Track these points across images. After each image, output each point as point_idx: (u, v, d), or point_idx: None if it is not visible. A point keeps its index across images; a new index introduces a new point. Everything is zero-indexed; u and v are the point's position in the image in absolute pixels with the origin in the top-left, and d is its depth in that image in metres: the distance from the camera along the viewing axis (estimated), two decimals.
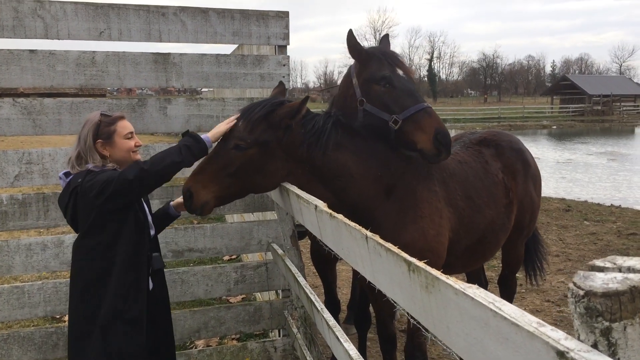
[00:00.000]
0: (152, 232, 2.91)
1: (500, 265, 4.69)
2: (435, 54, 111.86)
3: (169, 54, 3.73)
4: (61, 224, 3.56)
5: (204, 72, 3.84)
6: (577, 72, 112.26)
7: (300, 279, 3.20)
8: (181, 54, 3.77)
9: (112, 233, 2.59)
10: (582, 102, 63.25)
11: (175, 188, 3.82)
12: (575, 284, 0.85)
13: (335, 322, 2.49)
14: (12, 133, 3.46)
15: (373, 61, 3.11)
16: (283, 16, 3.96)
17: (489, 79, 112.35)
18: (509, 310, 0.94)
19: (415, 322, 1.36)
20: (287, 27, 3.99)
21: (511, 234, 3.89)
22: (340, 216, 1.89)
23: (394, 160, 3.06)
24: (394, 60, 3.14)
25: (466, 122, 46.92)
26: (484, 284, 5.20)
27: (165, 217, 3.09)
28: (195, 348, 4.51)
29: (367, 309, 4.31)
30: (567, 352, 0.79)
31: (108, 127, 2.68)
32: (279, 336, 4.42)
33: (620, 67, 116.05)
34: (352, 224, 1.74)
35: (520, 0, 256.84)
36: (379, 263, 1.52)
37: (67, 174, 2.71)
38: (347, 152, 2.95)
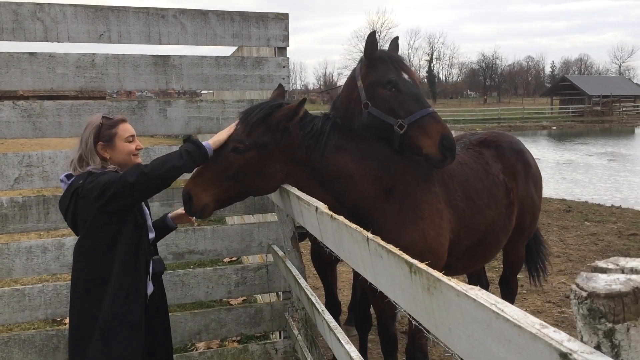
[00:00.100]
0: (152, 235, 2.90)
1: (502, 266, 4.68)
2: (434, 55, 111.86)
3: (168, 56, 3.73)
4: (61, 226, 3.56)
5: (204, 74, 3.84)
6: (576, 72, 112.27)
7: (301, 280, 3.20)
8: (181, 56, 3.77)
9: (111, 235, 2.59)
10: (582, 102, 63.26)
11: (175, 190, 3.82)
12: (578, 285, 0.85)
13: (336, 323, 2.48)
14: (12, 136, 3.46)
15: (379, 64, 3.11)
16: (283, 18, 3.96)
17: (488, 80, 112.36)
18: (512, 311, 0.94)
19: (416, 324, 1.36)
20: (286, 28, 3.99)
21: (512, 235, 3.88)
22: (341, 218, 1.89)
23: (393, 162, 3.06)
24: (400, 64, 3.14)
25: (466, 123, 46.91)
26: (485, 285, 5.19)
27: (163, 228, 3.10)
28: (196, 350, 4.50)
29: (367, 310, 4.31)
30: (570, 354, 0.78)
31: (109, 129, 2.69)
32: (280, 338, 4.42)
33: (620, 67, 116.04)
34: (353, 225, 1.74)
35: (519, 1, 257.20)
36: (380, 265, 1.52)
37: (68, 177, 2.71)
38: (346, 154, 2.95)
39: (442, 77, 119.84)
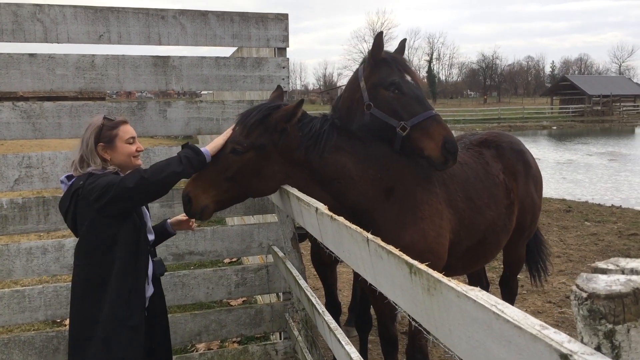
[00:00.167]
0: (152, 237, 2.90)
1: (502, 266, 4.68)
2: (434, 55, 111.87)
3: (168, 57, 3.73)
4: (61, 227, 3.56)
5: (204, 75, 3.84)
6: (576, 72, 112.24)
7: (301, 281, 3.20)
8: (181, 57, 3.77)
9: (110, 236, 2.59)
10: (582, 102, 63.23)
11: (175, 191, 3.81)
12: (578, 286, 0.85)
13: (336, 324, 2.48)
14: (11, 137, 3.46)
15: (383, 66, 3.11)
16: (282, 18, 3.96)
17: (488, 80, 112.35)
18: (512, 312, 0.94)
19: (416, 325, 1.35)
20: (286, 29, 3.99)
21: (512, 235, 3.88)
22: (341, 218, 1.88)
23: (393, 162, 3.06)
24: (403, 66, 3.15)
25: (466, 123, 46.91)
26: (485, 285, 5.19)
27: (162, 233, 3.11)
28: (197, 351, 4.49)
29: (368, 311, 4.31)
30: (571, 355, 0.78)
31: (110, 131, 2.69)
32: (280, 339, 4.41)
33: (620, 67, 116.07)
34: (353, 226, 1.74)
35: (518, 1, 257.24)
36: (380, 266, 1.51)
37: (68, 178, 2.71)
38: (345, 154, 2.95)
39: (442, 77, 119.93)
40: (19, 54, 3.41)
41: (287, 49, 4.06)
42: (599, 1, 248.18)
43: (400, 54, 3.34)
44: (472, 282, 4.98)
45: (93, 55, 3.57)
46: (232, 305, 5.41)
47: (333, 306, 4.69)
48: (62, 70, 3.50)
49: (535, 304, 5.96)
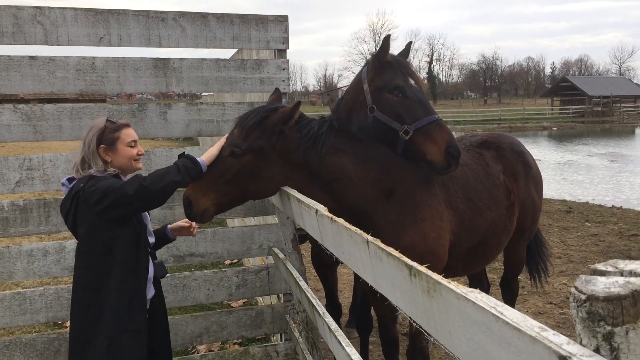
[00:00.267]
0: (152, 240, 2.91)
1: (502, 267, 4.68)
2: (434, 56, 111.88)
3: (168, 59, 3.73)
4: (62, 229, 3.56)
5: (204, 77, 3.84)
6: (576, 73, 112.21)
7: (302, 282, 3.20)
8: (181, 59, 3.78)
9: (110, 239, 2.59)
10: (582, 103, 63.22)
11: (176, 194, 3.80)
12: (577, 288, 0.85)
13: (337, 326, 2.48)
14: (12, 139, 3.46)
15: (387, 69, 3.12)
16: (282, 20, 3.97)
17: (488, 80, 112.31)
18: (511, 314, 0.94)
19: (417, 326, 1.36)
20: (286, 31, 4.00)
21: (513, 236, 3.88)
22: (341, 220, 1.89)
23: (393, 164, 3.07)
24: (407, 69, 3.16)
25: (466, 124, 46.92)
26: (486, 286, 5.19)
27: (162, 238, 3.12)
28: (197, 353, 4.50)
29: (368, 312, 4.31)
30: (570, 357, 0.78)
31: (112, 133, 2.70)
32: (281, 340, 4.41)
33: (620, 68, 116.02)
34: (353, 228, 1.74)
35: (518, 2, 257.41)
36: (380, 267, 1.52)
37: (69, 180, 2.72)
38: (345, 156, 2.96)
39: (442, 78, 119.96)
40: (19, 56, 3.42)
41: (287, 50, 4.07)
42: (599, 2, 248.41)
43: (405, 56, 3.35)
44: (472, 284, 4.98)
45: (93, 57, 3.58)
46: (232, 307, 5.41)
47: (334, 307, 4.70)
48: (62, 72, 3.51)
49: (537, 305, 5.96)
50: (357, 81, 3.29)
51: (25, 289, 3.78)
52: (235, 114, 3.84)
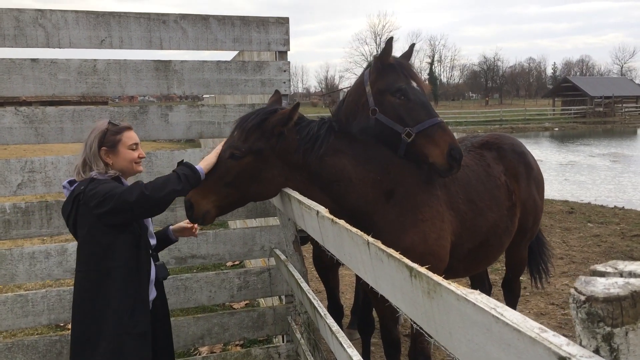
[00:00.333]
0: (153, 241, 2.91)
1: (504, 268, 4.67)
2: (436, 58, 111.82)
3: (169, 61, 3.74)
4: (64, 231, 3.57)
5: (205, 79, 3.85)
6: (578, 73, 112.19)
7: (303, 284, 3.20)
8: (182, 61, 3.78)
9: (108, 243, 2.58)
10: (584, 103, 63.13)
11: None
12: (576, 289, 0.85)
13: (338, 327, 2.48)
14: (14, 142, 3.47)
15: (389, 71, 3.12)
16: (283, 22, 3.98)
17: (490, 81, 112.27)
18: (511, 315, 0.94)
19: (418, 327, 1.36)
20: (287, 33, 4.00)
21: (514, 237, 3.88)
22: (341, 222, 1.89)
23: (394, 165, 3.07)
24: (410, 72, 3.16)
25: (468, 125, 46.90)
26: (487, 287, 5.18)
27: (164, 239, 3.12)
28: (199, 355, 4.50)
29: (370, 313, 4.31)
30: (569, 358, 0.78)
31: (114, 135, 2.71)
32: (283, 342, 4.41)
33: (622, 68, 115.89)
34: (354, 229, 1.74)
35: (519, 3, 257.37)
36: (381, 269, 1.52)
37: (71, 183, 2.72)
38: (344, 157, 2.96)
39: (444, 79, 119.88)
40: (21, 59, 3.43)
41: (288, 52, 4.07)
42: (600, 2, 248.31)
43: (407, 58, 3.35)
44: (474, 285, 4.97)
45: (95, 60, 3.59)
46: (234, 309, 5.42)
47: (335, 309, 4.70)
48: (64, 75, 3.52)
49: (539, 305, 5.95)
50: (359, 83, 3.29)
51: (27, 291, 3.79)
52: (236, 116, 3.84)
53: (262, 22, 3.92)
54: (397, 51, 3.37)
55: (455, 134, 3.20)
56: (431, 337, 1.29)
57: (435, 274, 1.21)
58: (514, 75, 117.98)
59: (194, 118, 3.86)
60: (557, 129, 45.22)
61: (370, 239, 1.59)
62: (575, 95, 66.36)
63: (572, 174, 18.55)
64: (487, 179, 3.59)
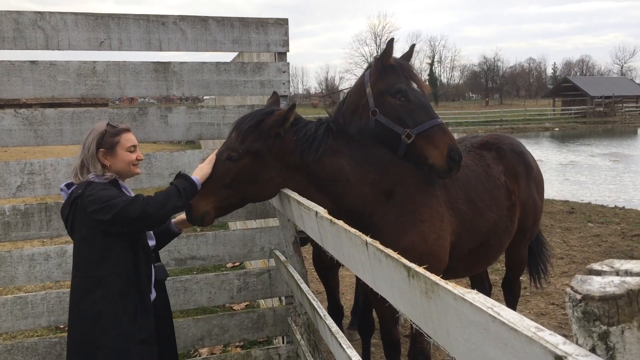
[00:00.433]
0: (152, 243, 2.90)
1: (504, 268, 4.67)
2: (436, 58, 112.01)
3: (169, 62, 3.74)
4: (64, 233, 3.56)
5: (205, 80, 3.85)
6: (578, 73, 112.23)
7: (303, 285, 3.20)
8: (181, 63, 3.78)
9: (106, 246, 2.56)
10: (584, 103, 63.13)
11: None
12: (572, 288, 0.85)
13: (337, 328, 2.48)
14: (14, 144, 3.47)
15: (390, 73, 3.12)
16: (282, 23, 3.98)
17: (490, 82, 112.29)
18: (508, 315, 0.94)
19: (416, 327, 1.36)
20: (286, 34, 4.00)
21: (514, 237, 3.88)
22: (340, 222, 1.89)
23: (393, 165, 3.07)
24: (410, 73, 3.17)
25: (468, 125, 46.91)
26: (487, 287, 5.18)
27: (166, 233, 3.10)
28: (199, 356, 4.50)
29: (370, 314, 4.31)
30: (566, 357, 0.78)
31: (112, 137, 2.69)
32: (283, 343, 4.41)
33: (622, 68, 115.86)
34: (352, 230, 1.74)
35: (519, 3, 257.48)
36: (379, 269, 1.52)
37: (68, 186, 2.71)
38: (342, 157, 2.97)
39: (444, 80, 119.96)
40: (20, 61, 3.43)
41: (288, 53, 4.07)
42: (600, 2, 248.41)
43: (407, 59, 3.35)
44: (474, 285, 4.97)
45: (94, 61, 3.59)
46: (234, 310, 5.42)
47: (335, 310, 4.69)
48: (63, 77, 3.52)
49: (539, 305, 5.95)
50: (360, 84, 3.30)
51: (27, 293, 3.79)
52: (235, 117, 3.84)
53: (261, 23, 3.92)
54: (398, 52, 3.38)
55: (455, 135, 3.20)
56: (430, 337, 1.29)
57: (433, 274, 1.21)
58: (514, 76, 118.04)
59: (193, 119, 3.86)
60: (557, 129, 45.22)
61: (369, 239, 1.59)
62: (575, 95, 66.36)
63: (573, 174, 18.54)
64: (486, 179, 3.59)
